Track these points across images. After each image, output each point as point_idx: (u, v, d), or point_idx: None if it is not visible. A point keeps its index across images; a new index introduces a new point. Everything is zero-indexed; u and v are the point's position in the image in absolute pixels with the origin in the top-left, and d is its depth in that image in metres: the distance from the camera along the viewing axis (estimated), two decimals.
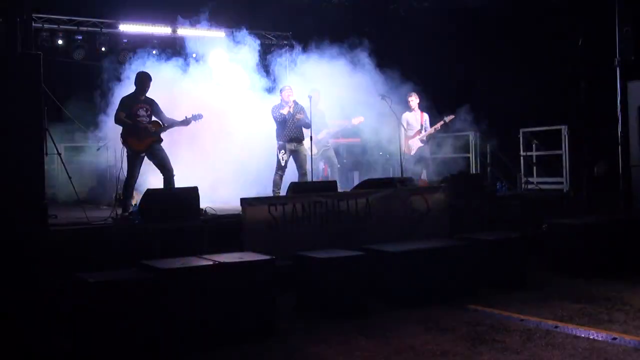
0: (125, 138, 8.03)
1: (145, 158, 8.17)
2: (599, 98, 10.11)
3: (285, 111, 9.26)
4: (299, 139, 9.40)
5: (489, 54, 11.54)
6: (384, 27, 11.30)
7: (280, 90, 9.60)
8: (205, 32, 12.28)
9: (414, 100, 10.57)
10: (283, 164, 9.30)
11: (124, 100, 8.16)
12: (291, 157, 9.41)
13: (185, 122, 8.43)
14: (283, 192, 9.12)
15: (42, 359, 4.97)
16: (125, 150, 8.16)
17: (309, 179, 9.43)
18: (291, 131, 9.31)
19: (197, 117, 8.49)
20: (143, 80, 8.17)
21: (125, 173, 8.15)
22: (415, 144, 10.56)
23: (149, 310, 4.80)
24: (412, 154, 10.49)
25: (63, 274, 5.44)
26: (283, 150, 9.31)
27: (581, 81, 9.94)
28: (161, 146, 8.18)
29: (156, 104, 8.29)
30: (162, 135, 8.24)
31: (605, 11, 9.99)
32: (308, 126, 9.36)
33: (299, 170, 9.46)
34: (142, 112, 8.11)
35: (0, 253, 5.58)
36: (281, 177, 9.33)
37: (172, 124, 8.34)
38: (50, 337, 5.14)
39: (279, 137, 9.40)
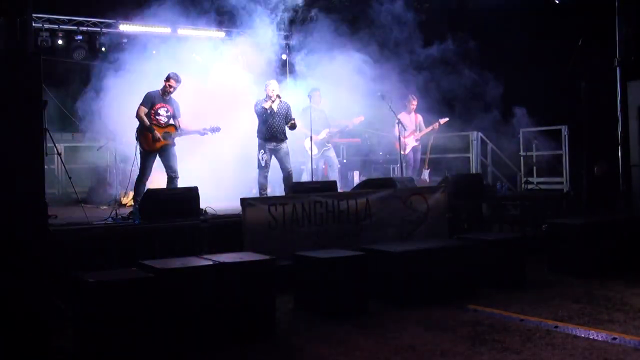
0: (139, 135, 8.07)
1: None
2: (599, 98, 10.09)
3: (267, 105, 8.86)
4: (279, 138, 8.97)
5: (488, 54, 11.54)
6: (383, 26, 11.31)
7: (265, 86, 9.13)
8: (205, 32, 12.29)
9: (413, 102, 10.87)
10: (263, 164, 8.89)
11: (149, 95, 8.20)
12: (272, 156, 9.04)
13: (201, 132, 8.53)
14: (273, 192, 9.09)
15: (42, 359, 4.97)
16: (138, 148, 8.16)
17: (308, 178, 9.40)
18: (271, 129, 8.89)
19: (214, 130, 8.55)
20: (172, 80, 8.22)
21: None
22: (409, 144, 10.81)
23: (149, 310, 4.80)
24: (405, 152, 10.73)
25: (63, 274, 5.44)
26: (262, 150, 8.92)
27: (581, 81, 9.91)
28: (173, 149, 8.22)
29: (178, 106, 8.34)
30: None
31: (605, 11, 9.99)
32: (293, 128, 9.04)
33: (283, 171, 9.06)
34: (162, 112, 8.19)
35: (0, 253, 5.57)
36: (265, 177, 8.97)
37: (188, 132, 8.40)
38: (50, 337, 5.13)
39: (258, 134, 9.03)
